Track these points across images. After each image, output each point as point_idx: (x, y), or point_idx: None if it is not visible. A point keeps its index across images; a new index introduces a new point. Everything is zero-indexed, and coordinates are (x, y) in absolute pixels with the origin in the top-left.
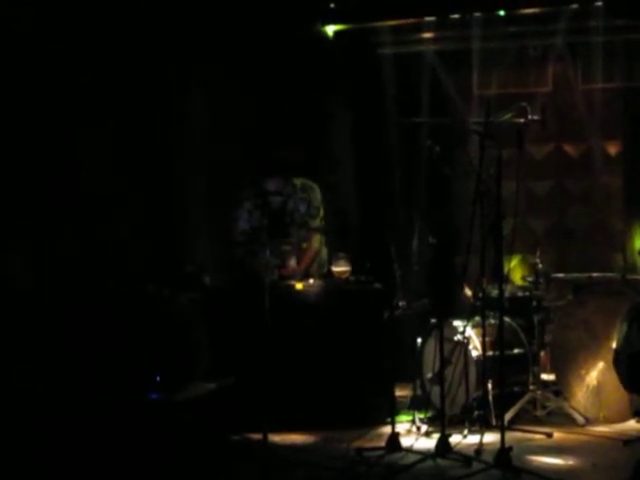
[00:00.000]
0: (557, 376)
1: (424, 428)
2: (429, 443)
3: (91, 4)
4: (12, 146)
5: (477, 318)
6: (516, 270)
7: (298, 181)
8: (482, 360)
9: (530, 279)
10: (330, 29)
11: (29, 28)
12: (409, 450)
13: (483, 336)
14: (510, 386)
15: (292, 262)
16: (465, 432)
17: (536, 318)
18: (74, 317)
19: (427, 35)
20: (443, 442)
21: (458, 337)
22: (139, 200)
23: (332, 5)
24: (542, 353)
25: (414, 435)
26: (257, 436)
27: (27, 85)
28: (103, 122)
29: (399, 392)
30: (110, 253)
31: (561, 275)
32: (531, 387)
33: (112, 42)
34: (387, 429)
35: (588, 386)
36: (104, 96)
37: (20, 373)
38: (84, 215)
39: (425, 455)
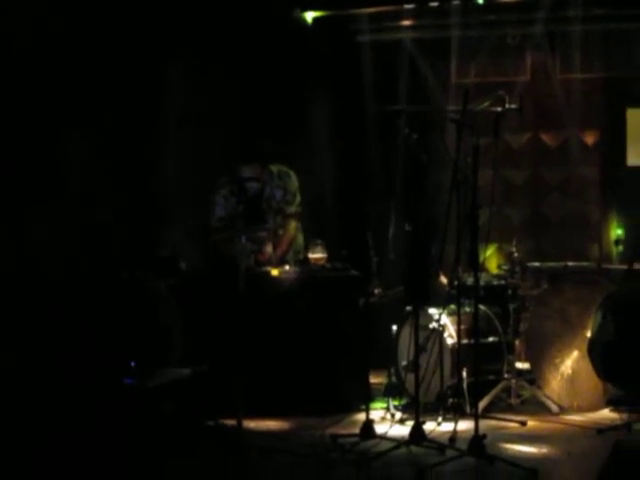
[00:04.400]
0: (532, 365)
1: (398, 415)
2: (403, 430)
3: None
4: None
5: (452, 306)
6: (492, 259)
7: (274, 168)
8: (457, 348)
9: (506, 268)
10: (309, 15)
11: (17, 28)
12: (383, 437)
13: (458, 324)
14: (485, 374)
15: (268, 248)
16: (439, 420)
17: (511, 306)
18: (47, 301)
19: (406, 23)
20: (417, 429)
21: (433, 325)
22: (116, 185)
23: None
24: (517, 342)
25: (388, 422)
26: (231, 422)
27: (8, 72)
28: (84, 107)
29: (374, 379)
30: (85, 237)
31: (537, 264)
32: (505, 375)
33: (94, 28)
34: (362, 416)
35: (562, 375)
36: (84, 80)
37: None
38: (61, 200)
39: (399, 442)
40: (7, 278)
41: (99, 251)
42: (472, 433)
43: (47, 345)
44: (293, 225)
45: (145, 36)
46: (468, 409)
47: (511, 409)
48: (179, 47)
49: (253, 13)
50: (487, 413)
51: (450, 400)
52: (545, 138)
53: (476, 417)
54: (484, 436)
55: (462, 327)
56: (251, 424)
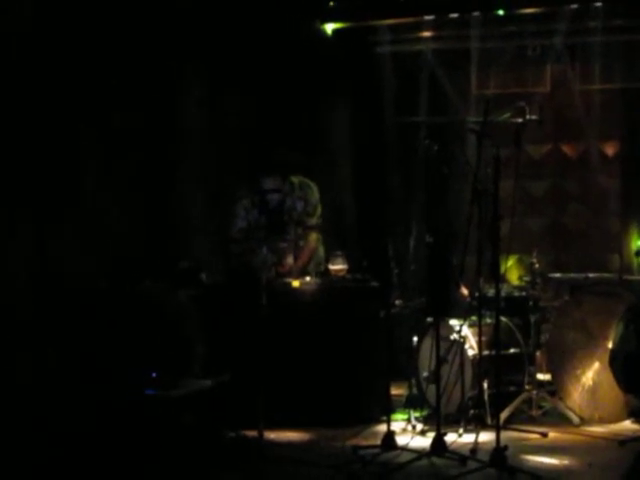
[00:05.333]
0: (553, 376)
1: (419, 427)
2: (424, 442)
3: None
4: (12, 139)
5: (473, 317)
6: (513, 270)
7: (296, 179)
8: (478, 359)
9: (527, 279)
10: (329, 27)
11: (28, 28)
12: (404, 448)
13: (479, 335)
14: (506, 386)
15: (289, 260)
16: (460, 431)
17: (532, 318)
18: (71, 313)
19: (426, 34)
20: (438, 441)
21: (454, 336)
22: (137, 196)
23: (331, 3)
24: (538, 353)
25: (409, 434)
26: (253, 433)
27: (26, 82)
28: (102, 118)
29: (395, 390)
30: (108, 249)
31: (558, 275)
32: (527, 387)
33: (111, 41)
34: (383, 427)
35: (584, 386)
36: (104, 93)
37: (16, 369)
38: (82, 211)
39: (420, 454)
40: (29, 291)
41: (121, 262)
42: (493, 444)
43: (69, 355)
44: (314, 237)
45: (165, 47)
46: (489, 420)
47: (532, 420)
48: (200, 59)
49: (274, 25)
50: (508, 424)
51: (471, 411)
52: (565, 149)
53: (497, 428)
54: (505, 447)
55: (483, 338)
56: (272, 435)
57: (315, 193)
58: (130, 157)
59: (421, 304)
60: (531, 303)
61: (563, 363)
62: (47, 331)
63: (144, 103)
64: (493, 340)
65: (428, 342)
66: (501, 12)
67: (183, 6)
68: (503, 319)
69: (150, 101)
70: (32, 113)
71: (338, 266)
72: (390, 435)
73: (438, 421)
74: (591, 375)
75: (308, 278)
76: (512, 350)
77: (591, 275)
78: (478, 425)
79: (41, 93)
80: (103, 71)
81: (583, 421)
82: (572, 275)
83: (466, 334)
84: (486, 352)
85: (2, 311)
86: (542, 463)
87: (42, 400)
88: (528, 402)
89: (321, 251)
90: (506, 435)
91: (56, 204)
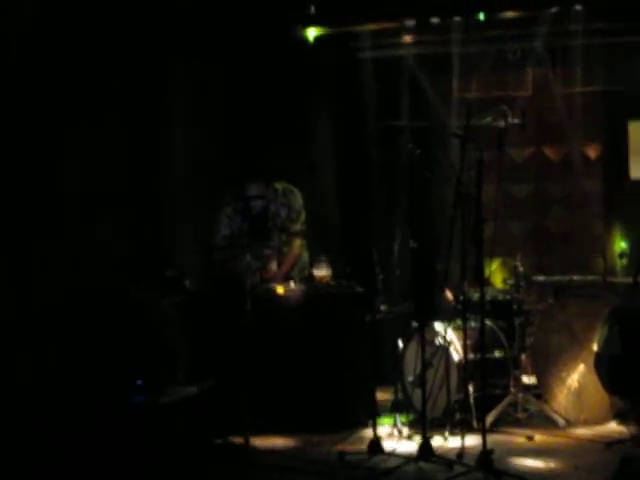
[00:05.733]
0: (538, 379)
1: (406, 431)
2: (411, 446)
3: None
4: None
5: (458, 321)
6: (497, 273)
7: (279, 185)
8: (463, 363)
9: (511, 282)
10: (311, 33)
11: (28, 28)
12: (391, 453)
13: (464, 339)
14: (491, 389)
15: (273, 266)
16: (447, 435)
17: (517, 321)
18: (55, 320)
19: (407, 39)
20: (425, 445)
21: (439, 340)
22: (122, 203)
23: (313, 9)
24: (523, 356)
25: (396, 438)
26: (239, 439)
27: (11, 86)
28: (88, 124)
29: (380, 395)
30: (92, 255)
31: (541, 278)
32: (512, 390)
33: (99, 44)
34: (369, 432)
35: (569, 388)
36: (89, 98)
37: (2, 377)
38: (67, 217)
39: (407, 458)
40: (14, 297)
41: (106, 269)
42: (480, 448)
43: (54, 364)
44: (298, 243)
45: (147, 52)
46: (475, 424)
47: (518, 423)
48: (182, 64)
49: (256, 31)
50: (494, 428)
51: (457, 415)
52: (548, 152)
53: (483, 432)
54: (492, 451)
55: (468, 342)
56: (258, 441)
57: (299, 199)
58: (115, 162)
59: (406, 309)
60: (515, 306)
61: (548, 366)
62: (32, 335)
63: (129, 109)
64: (478, 344)
65: (413, 347)
66: (482, 16)
67: (169, 10)
68: (488, 323)
69: (135, 108)
70: (16, 114)
71: (322, 272)
72: (376, 440)
73: (424, 425)
74: (576, 377)
75: (292, 284)
76: (497, 353)
77: (575, 278)
78: (464, 429)
79: (24, 92)
80: (91, 71)
81: (569, 423)
82: (556, 278)
83: (451, 338)
84: (471, 356)
85: None
86: (528, 466)
87: (27, 406)
88: (514, 405)
89: (305, 257)
90: (492, 438)
91: (40, 206)
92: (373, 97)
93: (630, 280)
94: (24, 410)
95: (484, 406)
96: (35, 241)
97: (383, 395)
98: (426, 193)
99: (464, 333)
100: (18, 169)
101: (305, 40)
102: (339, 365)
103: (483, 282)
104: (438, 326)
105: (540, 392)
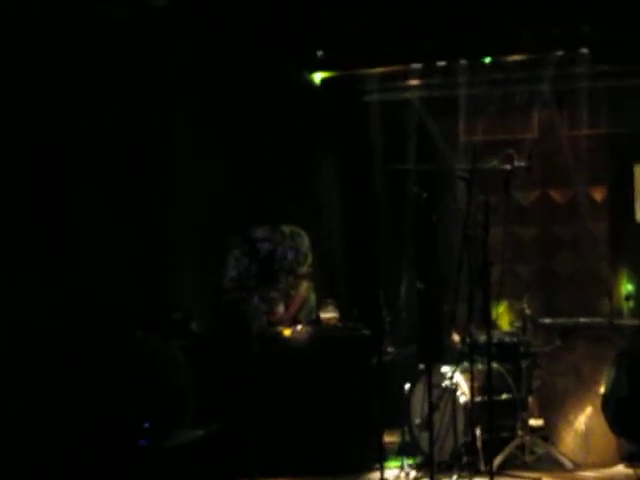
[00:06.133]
0: (545, 421)
1: (413, 474)
2: None
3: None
4: None
5: (465, 364)
6: (503, 315)
7: (287, 228)
8: (470, 406)
9: (517, 324)
10: (317, 76)
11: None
12: None
13: (472, 381)
14: (498, 432)
15: (280, 308)
16: (454, 478)
17: (524, 363)
18: (62, 364)
19: (413, 82)
20: None
21: (446, 383)
22: (128, 247)
23: (319, 53)
24: (530, 398)
25: None
26: None
27: (12, 115)
28: (89, 165)
29: (388, 438)
30: (98, 300)
31: (548, 320)
32: (519, 432)
33: (104, 107)
34: (376, 476)
35: (576, 431)
36: (91, 140)
37: (9, 423)
38: (72, 262)
39: None
40: (20, 343)
41: (113, 313)
42: None
43: (62, 408)
44: (305, 285)
45: (153, 95)
46: (483, 467)
47: (525, 466)
48: (188, 108)
49: (263, 74)
50: (502, 470)
51: (464, 458)
52: (554, 195)
53: (491, 475)
54: None
55: (475, 385)
56: None
57: (306, 241)
58: (121, 206)
59: (413, 351)
60: (522, 349)
61: (555, 408)
62: (39, 380)
63: (133, 154)
64: (485, 386)
65: (420, 389)
66: (488, 60)
67: (174, 54)
68: (495, 365)
69: (139, 151)
70: (16, 149)
71: (329, 314)
72: None
73: (432, 469)
74: (583, 420)
75: (299, 327)
76: (504, 396)
77: (582, 320)
78: (472, 472)
79: (26, 123)
80: (94, 124)
81: (576, 466)
82: (562, 320)
83: (458, 381)
84: (478, 398)
85: None
86: None
87: (35, 450)
88: (521, 448)
89: (312, 299)
90: None
91: (44, 251)
92: (379, 140)
93: (637, 322)
94: (28, 451)
95: (491, 449)
96: (37, 286)
97: (390, 438)
98: (433, 236)
99: (471, 375)
100: (17, 214)
101: (311, 83)
102: (346, 407)
103: (490, 324)
104: (445, 368)
105: (547, 435)
